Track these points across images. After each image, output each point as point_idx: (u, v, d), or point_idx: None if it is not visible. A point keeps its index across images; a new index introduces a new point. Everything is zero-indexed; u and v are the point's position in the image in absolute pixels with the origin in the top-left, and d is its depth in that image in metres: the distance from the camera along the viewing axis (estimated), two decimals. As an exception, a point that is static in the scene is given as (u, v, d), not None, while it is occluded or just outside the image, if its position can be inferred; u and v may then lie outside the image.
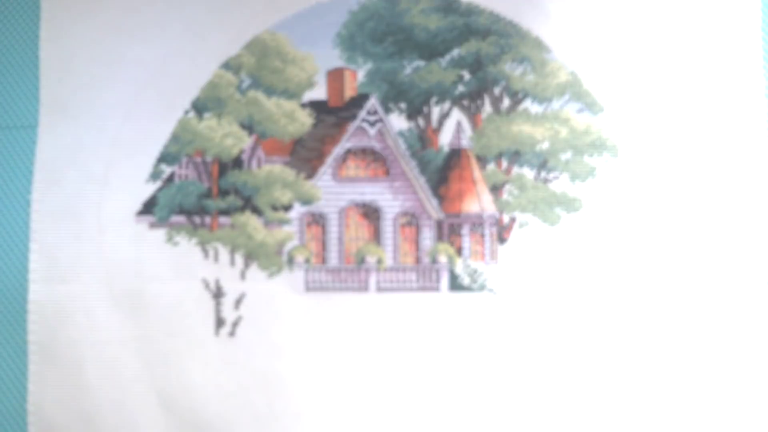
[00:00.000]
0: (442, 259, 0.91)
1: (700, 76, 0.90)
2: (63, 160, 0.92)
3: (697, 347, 0.88)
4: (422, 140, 0.93)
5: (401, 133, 0.93)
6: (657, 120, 0.90)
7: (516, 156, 0.92)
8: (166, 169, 0.92)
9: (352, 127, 0.93)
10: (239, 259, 0.91)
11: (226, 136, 0.92)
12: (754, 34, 0.90)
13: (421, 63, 0.93)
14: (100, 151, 0.91)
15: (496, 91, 0.92)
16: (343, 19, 0.93)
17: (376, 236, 0.93)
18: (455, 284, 0.90)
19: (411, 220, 0.93)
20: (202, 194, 0.92)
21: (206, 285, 0.90)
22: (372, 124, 0.93)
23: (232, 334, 0.90)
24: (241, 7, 0.92)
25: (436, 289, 0.91)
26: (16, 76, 0.94)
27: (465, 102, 0.93)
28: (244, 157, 0.93)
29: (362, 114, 0.93)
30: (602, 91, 0.91)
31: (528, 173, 0.92)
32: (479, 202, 0.92)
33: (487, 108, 0.92)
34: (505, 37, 0.92)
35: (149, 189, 0.92)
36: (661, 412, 0.87)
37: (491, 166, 0.92)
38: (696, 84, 0.90)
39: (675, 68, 0.90)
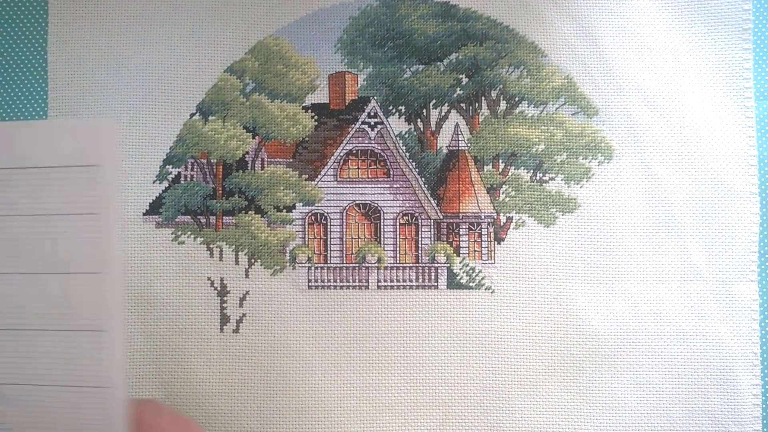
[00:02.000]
0: (441, 258, 0.92)
1: (693, 79, 0.91)
2: (71, 162, 0.93)
3: (689, 344, 0.89)
4: (421, 142, 0.94)
5: (401, 136, 0.94)
6: (650, 122, 0.91)
7: (512, 158, 0.93)
8: (172, 171, 0.93)
9: (353, 129, 0.94)
10: (243, 258, 0.92)
11: (231, 138, 0.93)
12: (744, 38, 0.91)
13: (420, 67, 0.93)
14: (108, 152, 0.92)
15: (493, 94, 0.93)
16: (344, 24, 0.94)
17: (377, 236, 0.93)
18: (453, 282, 0.91)
19: (410, 220, 0.94)
20: (207, 195, 0.93)
21: (211, 283, 0.91)
22: (372, 126, 0.94)
23: (236, 330, 0.91)
24: (245, 13, 0.93)
25: (435, 287, 0.91)
26: (25, 80, 0.95)
27: (463, 105, 0.93)
28: (248, 158, 0.93)
29: (363, 117, 0.94)
30: (596, 95, 0.92)
31: (524, 175, 0.93)
32: (477, 202, 0.93)
33: (485, 111, 0.93)
34: (501, 42, 0.93)
35: (156, 190, 0.93)
36: (659, 411, 0.89)
37: (488, 168, 0.93)
38: (689, 87, 0.91)
39: (668, 71, 0.92)
